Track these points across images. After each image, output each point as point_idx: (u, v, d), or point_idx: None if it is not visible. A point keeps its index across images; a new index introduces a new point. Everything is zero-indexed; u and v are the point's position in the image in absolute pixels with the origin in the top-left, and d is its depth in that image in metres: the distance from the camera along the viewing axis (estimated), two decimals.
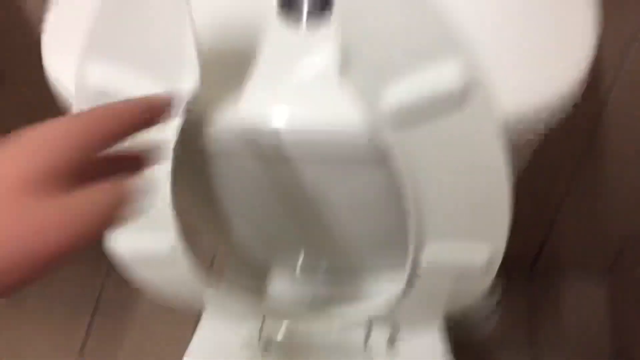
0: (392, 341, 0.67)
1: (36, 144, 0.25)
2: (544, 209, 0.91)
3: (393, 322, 0.64)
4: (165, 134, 0.46)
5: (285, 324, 0.67)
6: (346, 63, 0.40)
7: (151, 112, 0.29)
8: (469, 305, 0.61)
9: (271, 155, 0.51)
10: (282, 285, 0.73)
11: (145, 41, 0.43)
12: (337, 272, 0.73)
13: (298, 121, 0.47)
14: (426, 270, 0.53)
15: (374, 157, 0.48)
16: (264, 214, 0.63)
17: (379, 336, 0.66)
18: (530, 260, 1.05)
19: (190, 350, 0.70)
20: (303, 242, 0.69)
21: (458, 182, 0.46)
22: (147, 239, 0.56)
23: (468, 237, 0.51)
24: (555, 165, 0.81)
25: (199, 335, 0.71)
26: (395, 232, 0.56)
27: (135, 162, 0.30)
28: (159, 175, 0.48)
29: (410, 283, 0.55)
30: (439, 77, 0.39)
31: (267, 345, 0.69)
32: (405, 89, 0.40)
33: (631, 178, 0.81)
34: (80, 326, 1.14)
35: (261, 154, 0.51)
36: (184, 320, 0.91)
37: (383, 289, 0.67)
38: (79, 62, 0.44)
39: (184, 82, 0.43)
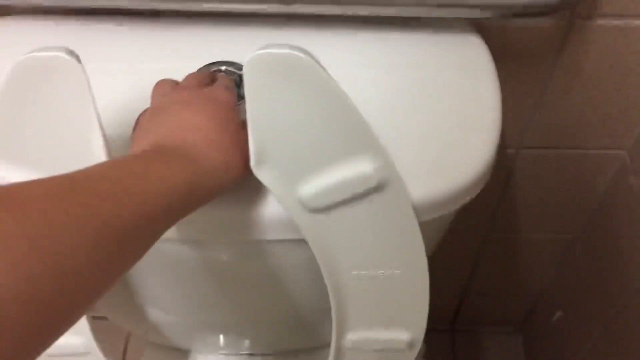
0: None
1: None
2: (460, 270, 0.94)
3: None
4: None
5: None
6: (260, 157, 0.40)
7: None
8: None
9: (190, 238, 0.50)
10: None
11: (49, 141, 0.41)
12: (261, 353, 0.71)
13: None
14: (349, 353, 0.53)
15: (294, 238, 0.47)
16: (181, 298, 0.61)
17: None
18: (450, 317, 1.07)
19: None
20: (224, 324, 0.67)
21: (375, 268, 0.47)
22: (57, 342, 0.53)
23: (389, 325, 0.51)
24: (468, 230, 0.84)
25: None
26: (318, 315, 0.55)
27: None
28: None
29: None
30: (353, 172, 0.40)
31: None
32: (320, 182, 0.41)
33: (539, 239, 0.85)
34: None
35: (181, 237, 0.50)
36: None
37: None
38: None
39: None
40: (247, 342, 0.70)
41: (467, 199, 0.49)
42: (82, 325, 0.52)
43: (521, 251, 0.88)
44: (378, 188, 0.41)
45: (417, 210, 0.44)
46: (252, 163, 0.40)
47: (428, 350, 1.00)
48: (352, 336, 0.51)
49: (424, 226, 0.45)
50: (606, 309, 0.78)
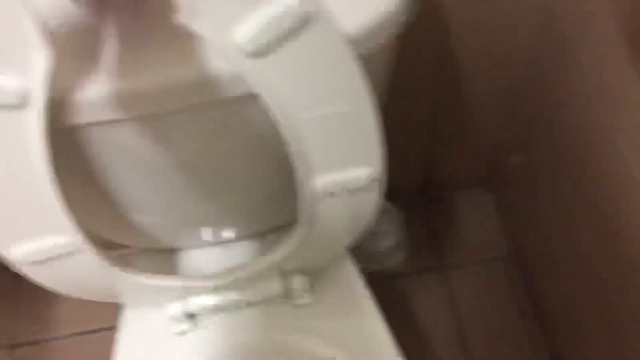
0: (310, 284, 0.70)
1: None
2: (419, 136, 0.98)
3: (304, 262, 0.67)
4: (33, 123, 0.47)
5: (205, 295, 0.69)
6: (193, 7, 0.43)
7: None
8: (368, 228, 0.65)
9: (146, 115, 0.52)
10: (193, 260, 0.74)
11: None
12: (244, 235, 0.75)
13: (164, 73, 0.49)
14: (320, 204, 0.57)
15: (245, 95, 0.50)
16: (156, 194, 0.64)
17: (297, 282, 0.69)
18: (420, 187, 1.12)
19: (119, 345, 0.70)
20: (203, 215, 0.70)
21: (325, 108, 0.50)
22: (45, 243, 0.56)
23: (348, 164, 0.55)
24: (417, 94, 0.88)
25: (124, 328, 0.71)
26: (286, 182, 0.59)
27: None
28: (38, 173, 0.49)
29: (307, 218, 0.59)
30: (281, 6, 0.42)
31: (194, 320, 0.71)
32: (252, 22, 0.43)
33: (490, 87, 0.89)
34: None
35: (136, 116, 0.52)
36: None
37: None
38: None
39: (35, 65, 0.43)
40: (227, 229, 0.73)
41: (394, 27, 0.52)
42: (63, 223, 0.54)
43: (473, 105, 0.92)
44: (307, 20, 0.44)
45: (351, 41, 0.47)
46: (186, 15, 0.43)
47: (405, 221, 1.06)
48: (317, 181, 0.55)
49: (364, 62, 0.48)
50: (562, 145, 0.82)
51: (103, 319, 1.11)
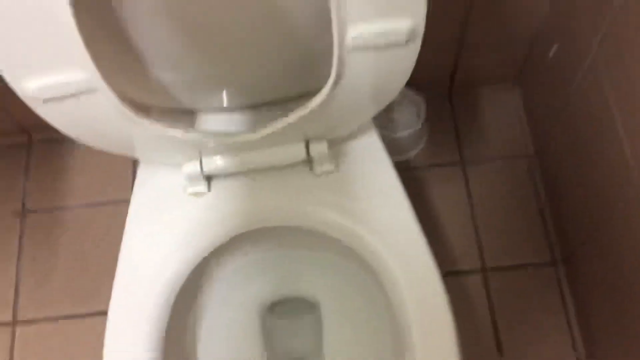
0: (333, 153, 0.68)
1: None
2: (450, 28, 0.93)
3: (328, 125, 0.65)
4: None
5: (224, 154, 0.67)
6: None
7: None
8: (394, 95, 0.61)
9: None
10: (213, 124, 0.72)
11: None
12: (267, 101, 0.72)
13: None
14: (350, 56, 0.53)
15: None
16: (180, 49, 0.61)
17: (320, 148, 0.67)
18: (447, 80, 1.08)
19: (132, 203, 0.69)
20: (226, 73, 0.67)
21: None
22: (62, 78, 0.53)
23: (388, 13, 0.51)
24: None
25: (138, 186, 0.69)
26: (315, 46, 0.55)
27: None
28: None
29: (337, 73, 0.55)
30: None
31: (210, 183, 0.69)
32: None
33: None
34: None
35: None
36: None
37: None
38: None
39: None
40: (250, 92, 0.70)
41: None
42: (83, 57, 0.51)
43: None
44: None
45: None
46: None
47: (428, 114, 1.03)
48: (353, 32, 0.51)
49: None
50: (613, 27, 0.77)
51: (113, 192, 1.10)
